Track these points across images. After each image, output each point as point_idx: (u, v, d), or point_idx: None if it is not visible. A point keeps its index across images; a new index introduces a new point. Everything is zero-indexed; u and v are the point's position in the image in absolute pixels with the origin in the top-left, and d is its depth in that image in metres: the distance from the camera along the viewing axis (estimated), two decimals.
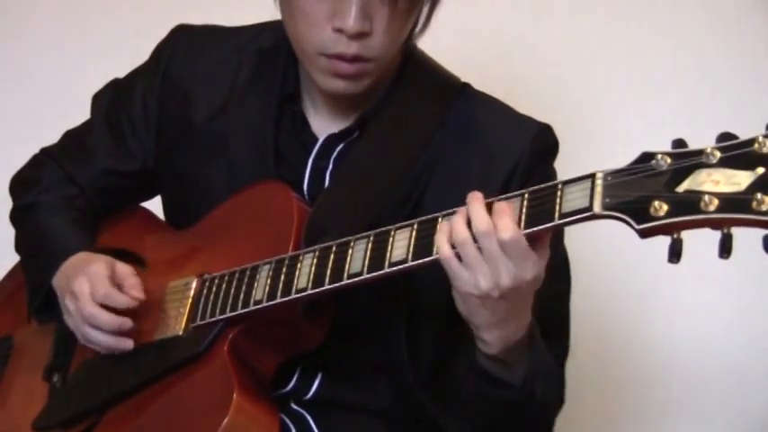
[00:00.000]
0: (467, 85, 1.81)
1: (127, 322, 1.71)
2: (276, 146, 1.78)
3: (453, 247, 1.43)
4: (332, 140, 1.76)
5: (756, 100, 2.37)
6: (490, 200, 1.43)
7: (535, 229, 1.38)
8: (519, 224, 1.39)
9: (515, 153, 1.70)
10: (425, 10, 1.70)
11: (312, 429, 1.75)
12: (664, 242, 2.46)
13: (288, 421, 1.74)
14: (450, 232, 1.43)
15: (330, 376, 1.76)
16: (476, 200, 1.43)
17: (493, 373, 1.57)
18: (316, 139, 1.77)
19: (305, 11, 1.63)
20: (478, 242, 1.41)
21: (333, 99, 1.75)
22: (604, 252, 2.45)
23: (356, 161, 1.73)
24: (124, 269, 1.75)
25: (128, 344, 1.72)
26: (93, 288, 1.70)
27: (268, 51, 1.82)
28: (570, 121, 2.34)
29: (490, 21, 2.52)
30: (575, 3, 2.54)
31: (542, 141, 1.74)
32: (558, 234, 1.74)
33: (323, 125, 1.78)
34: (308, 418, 1.75)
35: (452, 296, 1.64)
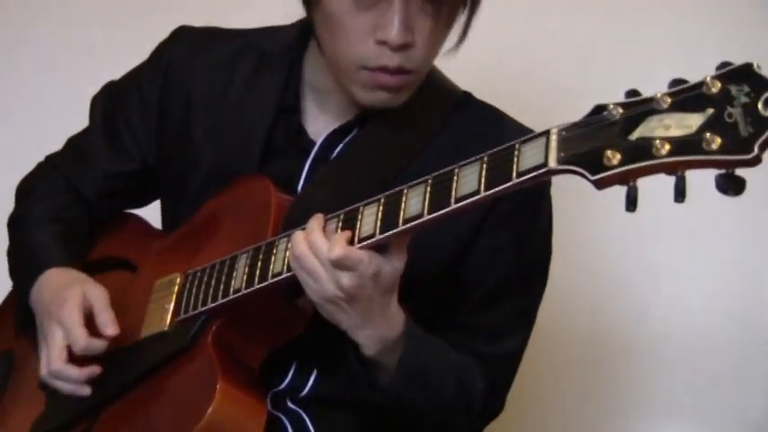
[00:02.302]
0: (468, 94, 1.82)
1: (95, 370, 1.72)
2: (271, 151, 1.79)
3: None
4: (331, 140, 1.77)
5: None
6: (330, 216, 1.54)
7: (382, 236, 1.47)
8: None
9: None
10: (463, 21, 1.71)
11: (308, 428, 1.74)
12: (664, 242, 2.45)
13: (285, 420, 1.73)
14: (293, 244, 1.53)
15: (325, 372, 1.75)
16: (313, 220, 1.53)
17: (362, 375, 1.61)
18: (313, 144, 1.78)
19: (344, 25, 1.62)
20: (314, 251, 1.50)
21: (340, 104, 1.75)
22: (604, 252, 2.44)
23: (348, 158, 1.74)
24: (97, 301, 1.74)
25: (86, 391, 1.73)
26: (71, 340, 1.71)
27: (270, 55, 1.82)
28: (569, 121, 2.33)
29: (489, 21, 2.51)
30: (574, 2, 2.54)
31: None
32: (539, 237, 1.76)
33: (322, 127, 1.78)
34: (305, 417, 1.75)
35: (435, 283, 1.68)
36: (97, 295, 1.74)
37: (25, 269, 1.86)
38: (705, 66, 2.42)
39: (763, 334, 2.42)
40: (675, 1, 2.50)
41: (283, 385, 1.75)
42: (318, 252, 1.49)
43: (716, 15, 2.48)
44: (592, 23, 2.52)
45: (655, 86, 2.41)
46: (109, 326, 1.71)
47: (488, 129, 1.75)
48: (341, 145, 1.76)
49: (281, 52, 1.81)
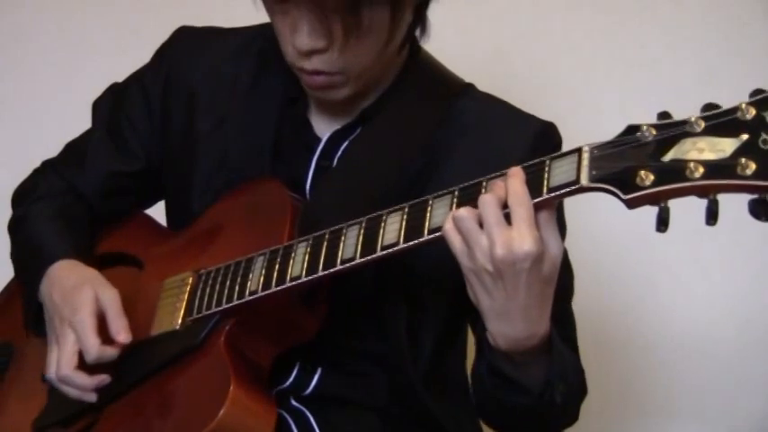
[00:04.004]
0: (470, 85, 1.81)
1: (104, 379, 1.71)
2: (277, 147, 1.78)
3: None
4: (335, 139, 1.76)
5: None
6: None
7: (547, 196, 1.37)
8: (507, 204, 1.39)
9: (518, 151, 1.68)
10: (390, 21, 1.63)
11: (312, 426, 1.74)
12: (665, 243, 2.47)
13: (288, 418, 1.73)
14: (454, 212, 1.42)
15: (330, 371, 1.75)
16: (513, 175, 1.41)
17: (507, 373, 1.54)
18: (319, 140, 1.77)
19: (276, 27, 1.65)
20: (480, 211, 1.39)
21: (337, 105, 1.75)
22: (604, 252, 2.46)
23: (356, 156, 1.73)
24: (110, 307, 1.72)
25: (92, 397, 1.72)
26: (84, 349, 1.69)
27: (270, 53, 1.81)
28: (570, 121, 2.34)
29: (490, 21, 2.52)
30: (574, 2, 2.55)
31: (545, 139, 1.73)
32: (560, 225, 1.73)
33: (326, 125, 1.78)
34: (308, 414, 1.75)
35: (453, 290, 1.64)
36: (110, 299, 1.72)
37: (31, 266, 1.83)
38: (706, 63, 2.45)
39: (764, 334, 2.44)
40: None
41: (287, 383, 1.75)
42: (487, 204, 1.39)
43: (718, 14, 2.49)
44: (593, 23, 2.54)
45: (656, 83, 2.45)
46: (122, 333, 1.69)
47: (492, 116, 1.76)
48: (345, 142, 1.76)
49: (279, 49, 1.80)
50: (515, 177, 1.39)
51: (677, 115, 1.31)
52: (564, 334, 1.66)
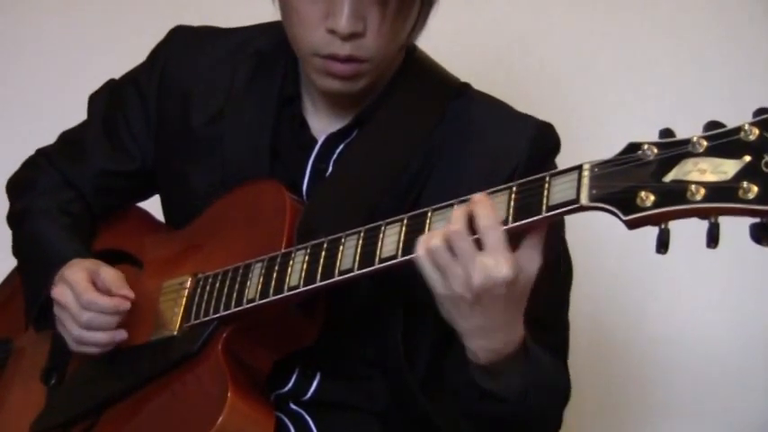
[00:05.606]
0: (466, 85, 1.81)
1: (128, 295, 1.71)
2: (275, 148, 1.77)
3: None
4: (331, 142, 1.76)
5: (757, 99, 2.36)
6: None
7: (518, 223, 1.37)
8: (506, 220, 1.38)
9: (516, 153, 1.69)
10: (419, 11, 1.67)
11: (311, 429, 1.74)
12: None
13: (287, 421, 1.74)
14: (426, 237, 1.42)
15: (329, 377, 1.75)
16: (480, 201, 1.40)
17: (483, 385, 1.54)
18: (315, 141, 1.77)
19: (299, 11, 1.63)
20: (452, 243, 1.39)
21: (332, 99, 1.74)
22: (604, 253, 2.45)
23: (353, 159, 1.73)
24: (109, 276, 1.73)
25: (123, 334, 1.72)
26: (77, 293, 1.69)
27: (267, 54, 1.81)
28: (570, 122, 2.34)
29: (490, 21, 2.51)
30: (574, 2, 2.54)
31: (543, 141, 1.73)
32: (556, 232, 1.73)
33: (322, 126, 1.77)
34: (307, 418, 1.75)
35: None
36: (114, 274, 1.73)
37: (40, 264, 1.82)
38: (706, 65, 2.44)
39: (764, 335, 2.44)
40: (677, 0, 2.51)
41: (287, 388, 1.75)
42: (457, 235, 1.38)
43: (717, 15, 2.49)
44: (593, 23, 2.53)
45: (656, 85, 2.44)
46: (123, 290, 1.70)
47: (489, 118, 1.75)
48: (341, 145, 1.75)
49: (277, 50, 1.80)
50: (482, 203, 1.39)
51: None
52: (551, 342, 1.67)
